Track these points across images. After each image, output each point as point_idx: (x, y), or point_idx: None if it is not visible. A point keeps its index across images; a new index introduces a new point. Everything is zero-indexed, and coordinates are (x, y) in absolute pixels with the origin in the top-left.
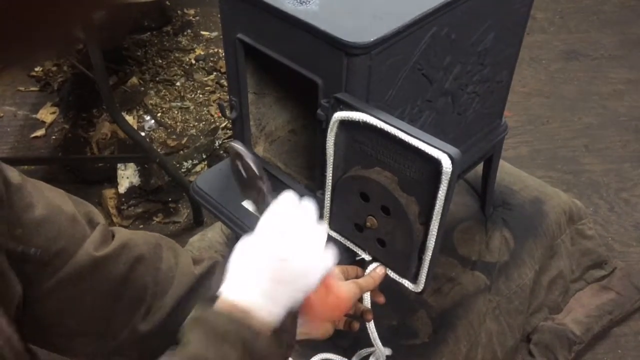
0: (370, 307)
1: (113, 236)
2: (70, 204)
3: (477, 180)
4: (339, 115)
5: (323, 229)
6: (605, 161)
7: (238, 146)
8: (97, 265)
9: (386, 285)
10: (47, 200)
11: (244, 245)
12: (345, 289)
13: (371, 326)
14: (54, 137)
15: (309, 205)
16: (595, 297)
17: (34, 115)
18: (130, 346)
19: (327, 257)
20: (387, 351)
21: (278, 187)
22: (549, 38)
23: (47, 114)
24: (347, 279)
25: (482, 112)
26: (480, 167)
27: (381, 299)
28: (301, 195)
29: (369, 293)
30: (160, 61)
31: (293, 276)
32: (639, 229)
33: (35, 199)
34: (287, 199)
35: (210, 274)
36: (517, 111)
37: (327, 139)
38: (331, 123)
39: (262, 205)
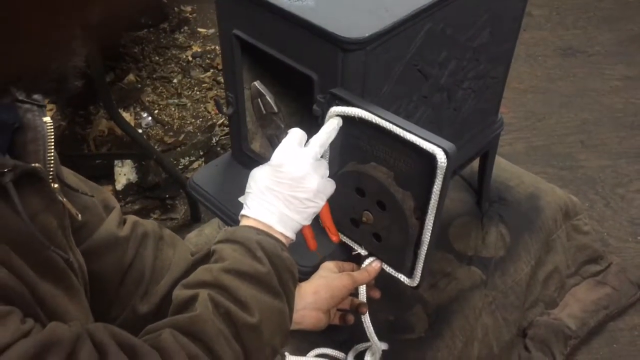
0: (365, 301)
1: (125, 220)
2: (88, 189)
3: (473, 176)
4: (335, 110)
5: (318, 150)
6: (601, 157)
7: (259, 85)
8: (117, 243)
9: (383, 280)
10: (74, 178)
11: (254, 172)
12: (338, 280)
13: (367, 321)
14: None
15: (305, 136)
16: (591, 292)
17: None
18: (130, 326)
19: (322, 168)
20: (384, 346)
21: None
22: (545, 34)
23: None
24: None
25: (477, 108)
26: (476, 163)
27: (376, 294)
28: None
29: (364, 287)
30: (157, 58)
31: (290, 180)
32: (635, 224)
33: (66, 173)
34: (295, 133)
35: (206, 259)
36: (513, 107)
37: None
38: (327, 118)
39: (277, 141)
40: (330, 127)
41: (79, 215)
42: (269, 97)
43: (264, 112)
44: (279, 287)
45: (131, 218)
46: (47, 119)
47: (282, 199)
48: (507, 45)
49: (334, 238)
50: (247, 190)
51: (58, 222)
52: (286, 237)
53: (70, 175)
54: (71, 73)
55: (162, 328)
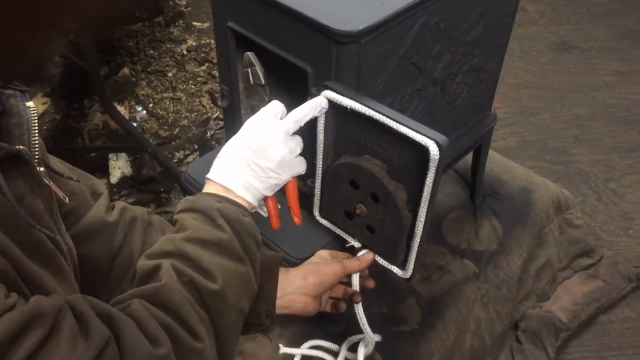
0: (358, 290)
1: (113, 207)
2: (75, 175)
3: (467, 170)
4: (326, 94)
5: (291, 125)
6: (594, 152)
7: (252, 55)
8: (105, 228)
9: (376, 273)
10: (60, 165)
11: (227, 144)
12: (328, 266)
13: (360, 312)
14: (45, 127)
15: (283, 110)
16: (583, 285)
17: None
18: None
19: (293, 143)
20: (377, 337)
21: None
22: (539, 30)
23: (38, 105)
24: None
25: (471, 101)
26: (470, 157)
27: (371, 284)
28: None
29: (357, 276)
30: (151, 52)
31: (256, 146)
32: (626, 218)
33: (52, 160)
34: (273, 105)
35: None
36: (507, 102)
37: (317, 126)
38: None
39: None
40: (311, 104)
41: (67, 198)
42: (258, 69)
43: (252, 82)
44: (242, 252)
45: (119, 204)
46: (30, 103)
47: (245, 165)
48: (500, 39)
49: (296, 220)
50: (218, 155)
51: (45, 205)
52: (248, 202)
53: (56, 162)
54: (49, 60)
55: (129, 299)
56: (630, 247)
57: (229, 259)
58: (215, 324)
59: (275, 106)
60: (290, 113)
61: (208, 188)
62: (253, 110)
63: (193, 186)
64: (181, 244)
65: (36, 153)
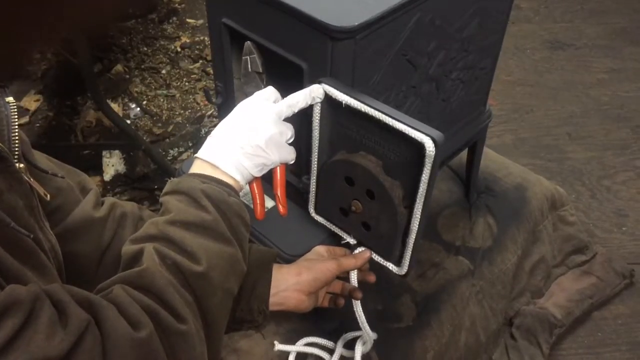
0: (355, 281)
1: (102, 202)
2: (63, 172)
3: (462, 167)
4: (323, 86)
5: (284, 109)
6: (588, 149)
7: (252, 45)
8: (93, 224)
9: (371, 270)
10: (46, 161)
11: (219, 124)
12: (323, 263)
13: (359, 310)
14: (38, 124)
15: (277, 95)
16: (577, 281)
17: (17, 103)
18: None
19: (284, 126)
20: (373, 335)
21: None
22: (533, 27)
23: (31, 102)
24: None
25: (466, 99)
26: (464, 155)
27: (372, 278)
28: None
29: (355, 273)
30: (145, 49)
31: (246, 124)
32: (620, 215)
33: (38, 157)
34: (267, 89)
35: None
36: (501, 100)
37: (312, 122)
38: (316, 104)
39: None
40: (306, 91)
41: (48, 195)
42: (257, 57)
43: (250, 69)
44: (228, 233)
45: (109, 200)
46: (10, 99)
47: (233, 143)
48: (495, 36)
49: (281, 209)
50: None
51: (25, 202)
52: (236, 181)
53: (42, 159)
54: (28, 60)
55: (112, 285)
56: (623, 244)
57: (213, 240)
58: (201, 306)
59: (269, 90)
60: (284, 98)
61: (195, 167)
62: (247, 96)
63: None
64: (164, 227)
65: (16, 149)
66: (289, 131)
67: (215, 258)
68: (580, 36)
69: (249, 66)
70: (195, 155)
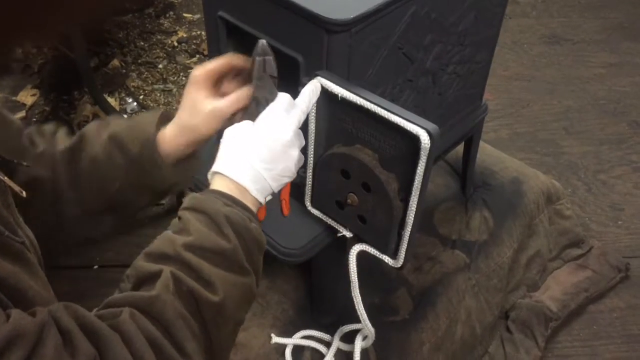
0: (355, 279)
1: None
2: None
3: (458, 162)
4: (319, 80)
5: (302, 117)
6: (584, 144)
7: (267, 44)
8: (43, 181)
9: (368, 264)
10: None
11: (235, 130)
12: (203, 122)
13: (361, 308)
14: (34, 119)
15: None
16: (572, 275)
17: (14, 98)
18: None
19: (302, 137)
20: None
21: None
22: (531, 22)
23: (27, 96)
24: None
25: (462, 92)
26: (460, 149)
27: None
28: None
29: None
30: (142, 43)
31: (274, 146)
32: (615, 209)
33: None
34: (284, 99)
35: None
36: (498, 94)
37: (308, 115)
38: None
39: (266, 104)
40: (310, 88)
41: (23, 192)
42: (273, 59)
43: (264, 72)
44: (246, 263)
45: (29, 135)
46: None
47: (263, 166)
48: (491, 30)
49: (286, 211)
50: (223, 146)
51: (2, 201)
52: (258, 202)
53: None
54: (10, 58)
55: (122, 304)
56: (619, 238)
57: (231, 270)
58: (210, 335)
59: (286, 100)
60: (296, 104)
61: (218, 184)
62: (259, 101)
63: None
64: (182, 251)
65: None
66: (303, 140)
67: (231, 288)
68: (577, 31)
69: (264, 68)
70: (218, 169)
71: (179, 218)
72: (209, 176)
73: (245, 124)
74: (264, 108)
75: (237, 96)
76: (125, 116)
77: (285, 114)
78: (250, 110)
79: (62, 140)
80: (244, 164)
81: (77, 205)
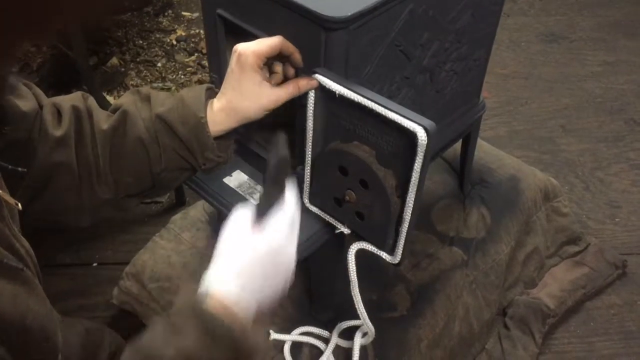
0: (355, 278)
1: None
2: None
3: (456, 159)
4: (317, 77)
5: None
6: (582, 141)
7: (286, 141)
8: (64, 165)
9: (366, 262)
10: None
11: (234, 234)
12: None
13: (360, 307)
14: None
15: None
16: (569, 272)
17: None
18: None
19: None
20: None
21: (260, 164)
22: (528, 21)
23: None
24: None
25: (460, 90)
26: (458, 146)
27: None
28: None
29: (353, 262)
30: (140, 42)
31: (278, 269)
32: (613, 206)
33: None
34: (289, 213)
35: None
36: (496, 92)
37: (307, 112)
38: (310, 94)
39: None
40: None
41: (19, 205)
42: (288, 157)
43: (280, 174)
44: None
45: (49, 107)
46: None
47: (258, 292)
48: (489, 28)
49: None
50: (230, 261)
51: None
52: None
53: None
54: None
55: None
56: (616, 235)
57: None
58: None
59: (293, 214)
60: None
61: (214, 304)
62: (269, 204)
63: None
64: None
65: None
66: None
67: None
68: (574, 29)
69: (280, 170)
70: (215, 292)
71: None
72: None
73: (253, 240)
74: (270, 210)
75: (296, 85)
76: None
77: (290, 234)
78: (260, 207)
79: (102, 119)
80: (243, 295)
81: (112, 187)
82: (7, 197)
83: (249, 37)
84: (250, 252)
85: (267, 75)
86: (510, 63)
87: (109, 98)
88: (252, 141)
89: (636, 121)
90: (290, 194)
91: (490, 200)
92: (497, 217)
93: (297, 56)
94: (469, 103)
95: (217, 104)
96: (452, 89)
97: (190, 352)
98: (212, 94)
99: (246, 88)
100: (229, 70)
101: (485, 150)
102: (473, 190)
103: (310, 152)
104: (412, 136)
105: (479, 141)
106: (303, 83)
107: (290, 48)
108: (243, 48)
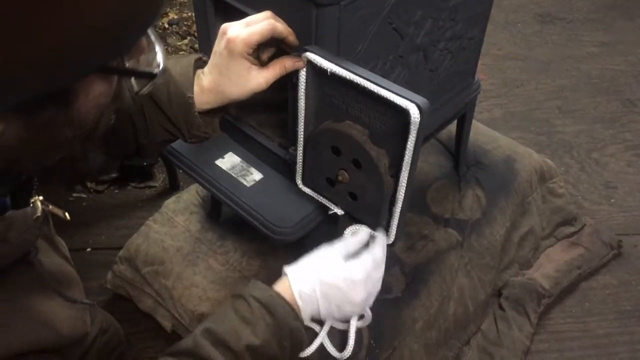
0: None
1: None
2: None
3: (451, 141)
4: (308, 55)
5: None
6: (578, 122)
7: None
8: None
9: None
10: None
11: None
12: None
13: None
14: None
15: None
16: (565, 252)
17: None
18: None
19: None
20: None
21: (252, 146)
22: (524, 1)
23: None
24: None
25: (454, 69)
26: (453, 128)
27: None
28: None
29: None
30: None
31: (354, 295)
32: (608, 187)
33: None
34: (378, 251)
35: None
36: (492, 74)
37: (298, 91)
38: (301, 73)
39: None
40: (380, 242)
41: (67, 215)
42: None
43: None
44: None
45: None
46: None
47: (335, 306)
48: (483, 6)
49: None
50: (312, 282)
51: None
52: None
53: None
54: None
55: None
56: (611, 215)
57: None
58: None
59: (381, 256)
60: (342, 246)
61: (292, 289)
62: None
63: (176, 158)
64: (245, 352)
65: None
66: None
67: None
68: (571, 10)
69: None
70: (307, 291)
71: (248, 304)
72: (287, 269)
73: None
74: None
75: (282, 65)
76: None
77: (380, 266)
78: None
79: None
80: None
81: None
82: (56, 210)
83: (238, 14)
84: (345, 273)
85: (256, 56)
86: (506, 44)
87: None
88: (244, 123)
89: (632, 102)
90: (380, 236)
91: (486, 181)
92: (493, 199)
93: (291, 39)
94: (464, 83)
95: (204, 81)
96: (447, 68)
97: (259, 344)
98: (201, 64)
99: (234, 73)
100: (217, 51)
101: (480, 131)
102: (468, 171)
103: (302, 132)
104: (404, 114)
105: (474, 123)
106: (289, 63)
107: (284, 32)
108: (233, 35)
